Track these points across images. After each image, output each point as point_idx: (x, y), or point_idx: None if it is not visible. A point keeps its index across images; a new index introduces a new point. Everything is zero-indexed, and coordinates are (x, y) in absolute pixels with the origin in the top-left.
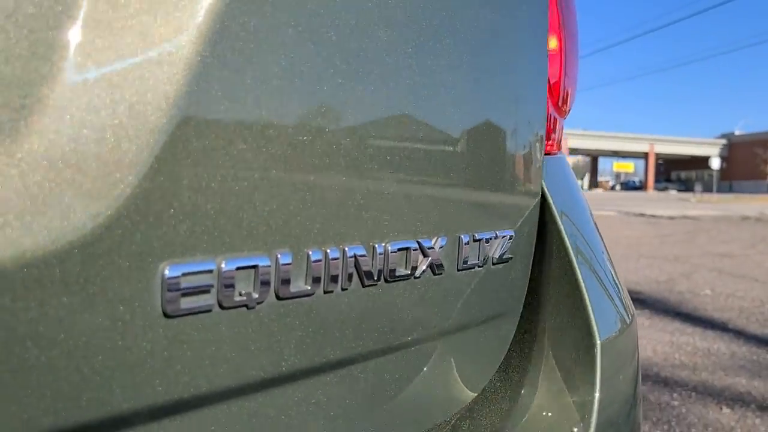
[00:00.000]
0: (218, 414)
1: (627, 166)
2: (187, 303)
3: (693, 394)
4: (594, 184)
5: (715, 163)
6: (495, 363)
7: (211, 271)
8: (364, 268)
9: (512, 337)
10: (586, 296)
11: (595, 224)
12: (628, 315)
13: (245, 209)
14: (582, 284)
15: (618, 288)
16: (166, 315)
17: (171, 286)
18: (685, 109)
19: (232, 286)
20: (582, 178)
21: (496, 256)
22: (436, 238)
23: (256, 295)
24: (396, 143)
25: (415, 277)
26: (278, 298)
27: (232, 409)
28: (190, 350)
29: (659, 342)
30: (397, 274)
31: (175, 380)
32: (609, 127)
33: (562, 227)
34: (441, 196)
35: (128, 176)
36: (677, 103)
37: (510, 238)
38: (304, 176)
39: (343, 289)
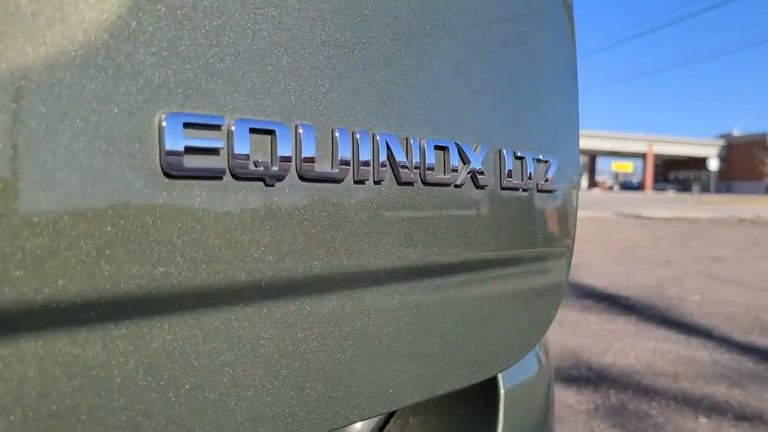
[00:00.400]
0: (219, 317)
1: (626, 166)
2: (191, 162)
3: (672, 403)
4: (592, 184)
5: (713, 165)
6: (549, 317)
7: (218, 128)
8: (399, 161)
9: (564, 288)
10: None
11: None
12: (542, 355)
13: (260, 66)
14: None
15: None
16: (166, 174)
17: (171, 137)
18: (684, 109)
19: (245, 150)
20: (580, 178)
21: (540, 182)
22: (476, 145)
23: (274, 169)
24: (440, 39)
25: (456, 186)
26: (301, 178)
27: (235, 313)
28: (199, 227)
29: (643, 349)
30: (436, 177)
31: (175, 263)
32: (608, 127)
33: None
34: (482, 105)
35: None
36: (676, 103)
37: (552, 166)
38: (330, 45)
39: (376, 183)
